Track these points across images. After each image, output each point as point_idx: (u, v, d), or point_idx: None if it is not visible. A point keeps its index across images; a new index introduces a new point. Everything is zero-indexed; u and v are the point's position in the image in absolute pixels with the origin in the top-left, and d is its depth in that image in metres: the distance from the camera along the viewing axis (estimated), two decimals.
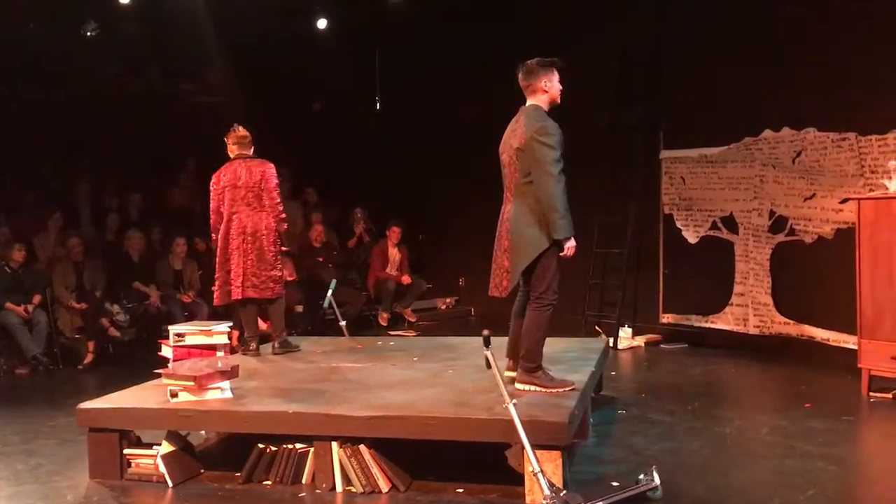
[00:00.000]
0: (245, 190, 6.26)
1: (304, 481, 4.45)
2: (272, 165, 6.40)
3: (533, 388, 4.68)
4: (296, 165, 11.12)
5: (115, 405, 4.72)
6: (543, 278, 4.67)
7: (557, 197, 4.56)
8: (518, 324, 4.87)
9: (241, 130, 6.45)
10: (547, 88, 4.78)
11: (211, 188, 6.40)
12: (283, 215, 6.37)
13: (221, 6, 9.33)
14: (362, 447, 4.33)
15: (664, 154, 8.90)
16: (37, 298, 8.27)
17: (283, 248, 6.42)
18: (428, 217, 11.16)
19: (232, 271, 6.23)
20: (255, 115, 10.92)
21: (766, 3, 7.91)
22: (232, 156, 6.42)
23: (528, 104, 4.81)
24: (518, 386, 4.72)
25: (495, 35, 9.89)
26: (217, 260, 6.34)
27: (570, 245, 4.64)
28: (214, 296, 6.39)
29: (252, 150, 6.44)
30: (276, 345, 6.33)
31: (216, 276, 6.34)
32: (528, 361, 4.72)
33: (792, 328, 7.83)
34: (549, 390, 4.66)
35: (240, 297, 6.21)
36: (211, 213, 6.41)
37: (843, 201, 7.27)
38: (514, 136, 4.77)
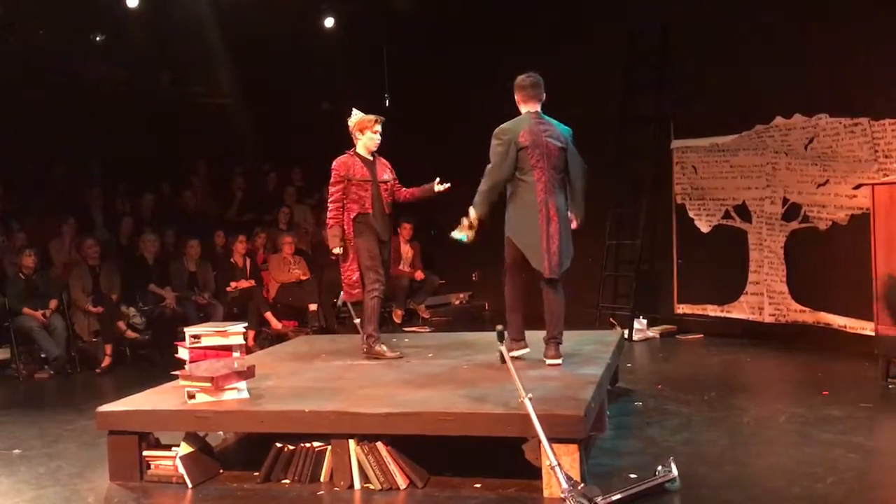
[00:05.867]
0: None
1: (322, 479, 4.46)
2: (334, 166, 6.22)
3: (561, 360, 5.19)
4: (306, 165, 11.14)
5: (134, 408, 4.75)
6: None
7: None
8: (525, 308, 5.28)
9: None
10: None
11: None
12: (329, 218, 6.09)
13: (228, 9, 9.35)
14: (379, 444, 4.34)
15: (675, 143, 8.87)
16: (53, 303, 8.32)
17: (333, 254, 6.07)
18: (439, 212, 11.12)
19: None
20: (264, 117, 11.03)
21: None
22: None
23: (537, 110, 5.19)
24: (557, 361, 5.16)
25: (504, 29, 9.87)
26: None
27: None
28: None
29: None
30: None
31: None
32: (560, 337, 5.19)
33: (808, 316, 7.79)
34: None
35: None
36: None
37: (857, 187, 7.23)
38: (551, 136, 5.14)
